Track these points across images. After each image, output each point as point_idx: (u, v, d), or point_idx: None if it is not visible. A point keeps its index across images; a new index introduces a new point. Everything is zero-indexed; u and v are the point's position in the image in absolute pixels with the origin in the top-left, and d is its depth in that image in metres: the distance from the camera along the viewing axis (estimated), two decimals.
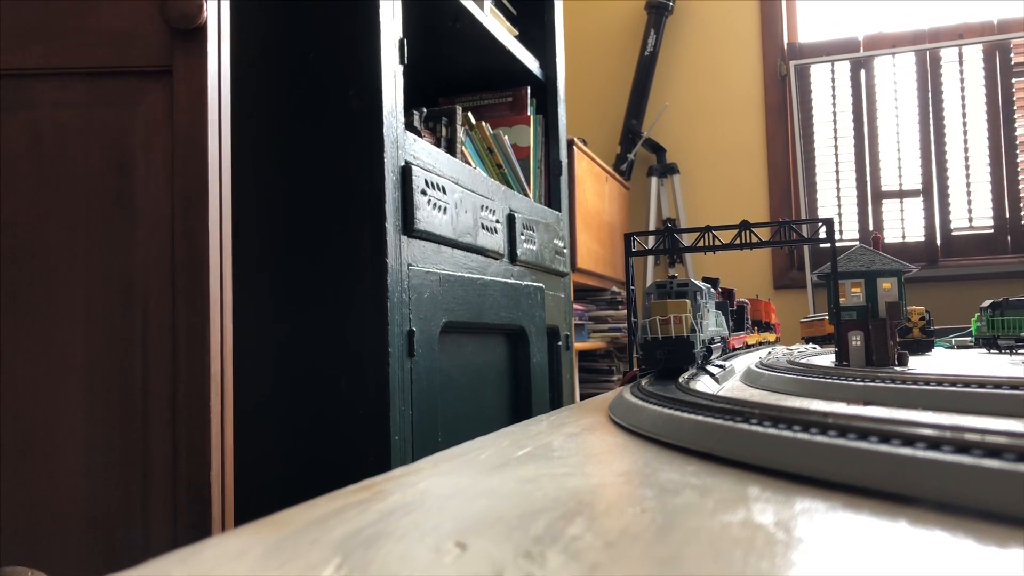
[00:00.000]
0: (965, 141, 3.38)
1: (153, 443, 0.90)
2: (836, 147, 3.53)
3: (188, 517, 0.88)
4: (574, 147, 2.63)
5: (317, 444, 1.16)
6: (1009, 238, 3.31)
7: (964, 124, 3.38)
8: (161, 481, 0.90)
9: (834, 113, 3.53)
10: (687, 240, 1.06)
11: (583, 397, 2.59)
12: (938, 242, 3.36)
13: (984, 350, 1.72)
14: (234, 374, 0.96)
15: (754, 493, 0.40)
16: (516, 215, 1.64)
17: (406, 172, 1.21)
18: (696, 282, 0.97)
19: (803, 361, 1.20)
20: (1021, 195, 3.31)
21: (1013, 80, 3.35)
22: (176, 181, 0.93)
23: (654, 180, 3.49)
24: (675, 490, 0.41)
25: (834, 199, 3.52)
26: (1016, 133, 3.33)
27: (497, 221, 1.54)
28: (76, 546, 0.89)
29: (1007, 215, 3.32)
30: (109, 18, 0.94)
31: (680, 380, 0.84)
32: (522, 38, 1.91)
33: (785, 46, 3.56)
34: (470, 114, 1.71)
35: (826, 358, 1.32)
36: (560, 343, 1.87)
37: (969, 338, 1.98)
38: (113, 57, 0.94)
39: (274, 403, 1.18)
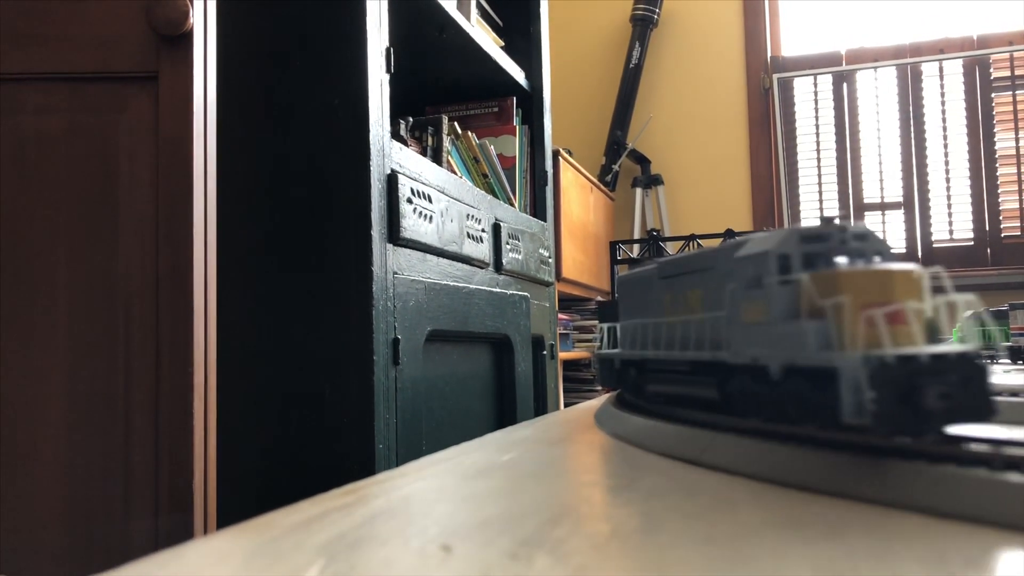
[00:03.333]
0: (946, 154, 3.41)
1: (135, 451, 0.89)
2: (819, 159, 3.55)
3: (170, 526, 0.87)
4: (559, 158, 2.64)
5: (301, 452, 1.15)
6: (989, 251, 3.34)
7: (945, 138, 3.42)
8: (142, 489, 0.89)
9: (817, 126, 3.56)
10: (672, 249, 1.07)
11: (567, 407, 2.58)
12: (919, 254, 3.39)
13: None
14: (217, 382, 0.95)
15: (742, 496, 0.40)
16: (502, 224, 1.64)
17: (392, 180, 1.20)
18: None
19: None
20: (1001, 208, 3.35)
21: (993, 95, 3.39)
22: (160, 187, 0.92)
23: (639, 191, 3.50)
24: (662, 493, 0.41)
25: (816, 211, 3.54)
26: (996, 147, 3.37)
27: (483, 230, 1.54)
28: (56, 552, 0.88)
29: (987, 228, 3.35)
30: (95, 23, 0.94)
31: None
32: (508, 49, 1.92)
33: (768, 59, 3.59)
34: (456, 124, 1.71)
35: None
36: (545, 352, 1.87)
37: None
38: (98, 63, 0.94)
39: (258, 411, 1.17)
